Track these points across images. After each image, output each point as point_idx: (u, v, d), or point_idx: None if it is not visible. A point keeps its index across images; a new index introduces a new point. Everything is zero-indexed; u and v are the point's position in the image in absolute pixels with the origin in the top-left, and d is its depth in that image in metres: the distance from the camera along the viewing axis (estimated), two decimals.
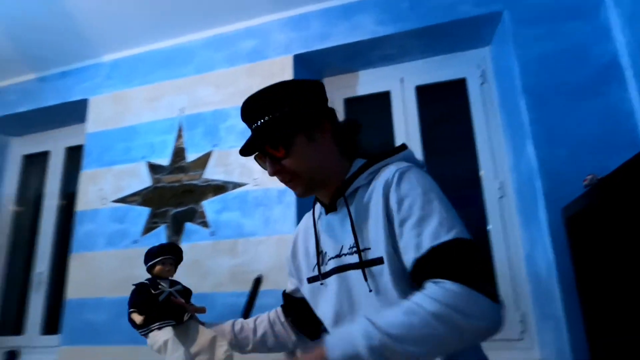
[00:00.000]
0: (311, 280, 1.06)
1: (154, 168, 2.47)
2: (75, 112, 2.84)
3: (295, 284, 1.18)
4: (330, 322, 1.00)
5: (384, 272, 0.87)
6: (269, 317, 1.25)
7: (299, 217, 2.14)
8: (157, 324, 1.16)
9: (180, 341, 1.13)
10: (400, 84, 2.42)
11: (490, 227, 2.13)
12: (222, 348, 1.13)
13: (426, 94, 2.40)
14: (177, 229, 2.32)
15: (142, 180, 2.47)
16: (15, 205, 3.16)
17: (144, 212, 2.42)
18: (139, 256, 2.30)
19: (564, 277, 1.69)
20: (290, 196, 2.16)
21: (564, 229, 1.66)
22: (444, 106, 2.43)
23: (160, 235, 2.33)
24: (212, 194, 2.30)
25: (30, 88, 2.98)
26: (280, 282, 2.04)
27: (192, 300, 2.23)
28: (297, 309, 1.18)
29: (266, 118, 0.91)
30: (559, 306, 1.71)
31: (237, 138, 2.33)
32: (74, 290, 2.42)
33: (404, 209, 0.85)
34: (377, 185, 0.92)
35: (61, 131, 3.09)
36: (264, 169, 0.97)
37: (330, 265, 0.98)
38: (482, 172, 2.20)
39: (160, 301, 1.17)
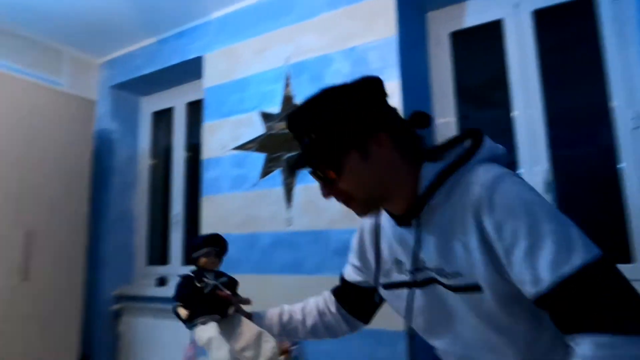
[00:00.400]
0: (388, 286, 0.97)
1: (266, 117, 2.65)
2: (192, 69, 3.11)
3: (362, 276, 1.09)
4: (421, 329, 0.94)
5: (484, 300, 0.76)
6: (317, 306, 1.20)
7: None
8: (201, 318, 1.12)
9: (226, 336, 1.10)
10: (514, 9, 2.23)
11: (623, 164, 1.95)
12: (268, 344, 1.10)
13: (545, 19, 2.19)
14: (291, 172, 2.51)
15: (256, 128, 2.67)
16: (150, 158, 3.63)
17: (260, 157, 2.64)
18: (259, 198, 2.57)
19: None
20: None
21: None
22: (567, 31, 2.20)
23: (276, 178, 2.54)
24: None
25: (152, 51, 3.31)
26: None
27: (307, 239, 2.44)
28: (355, 298, 1.12)
29: (313, 136, 0.82)
30: None
31: (343, 81, 2.38)
32: (207, 227, 2.78)
33: (505, 237, 0.70)
34: (462, 202, 0.77)
35: (182, 88, 3.42)
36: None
37: (410, 277, 0.89)
38: (614, 103, 1.99)
39: (205, 294, 1.14)
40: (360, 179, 0.82)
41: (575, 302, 0.64)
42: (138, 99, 3.69)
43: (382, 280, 0.97)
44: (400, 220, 0.87)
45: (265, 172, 2.61)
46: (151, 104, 3.65)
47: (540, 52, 2.15)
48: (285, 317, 1.18)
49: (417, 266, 0.86)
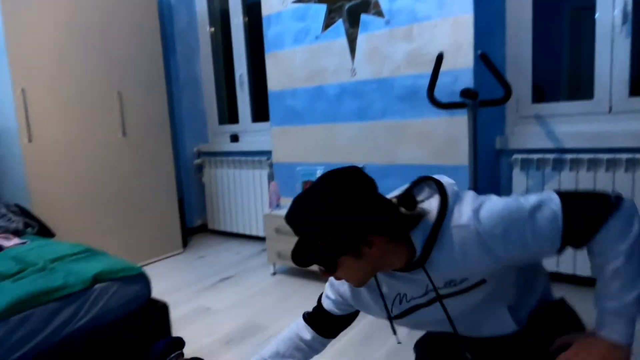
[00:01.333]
0: (402, 315, 1.02)
1: None
2: None
3: (346, 311, 1.13)
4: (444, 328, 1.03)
5: (488, 285, 0.92)
6: (293, 345, 1.16)
7: None
8: None
9: None
10: None
11: None
12: None
13: None
14: (353, 22, 2.52)
15: None
16: (209, 25, 3.69)
17: (321, 9, 2.64)
18: (322, 50, 2.65)
19: None
20: None
21: None
22: None
23: (339, 29, 2.58)
24: None
25: None
26: (456, 62, 2.19)
27: (371, 87, 2.54)
28: (329, 323, 1.15)
29: (311, 239, 0.86)
30: None
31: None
32: (273, 83, 2.96)
33: (512, 244, 0.84)
34: (459, 248, 0.85)
35: None
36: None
37: (422, 300, 0.97)
38: None
39: None
40: (354, 272, 0.89)
41: (578, 224, 0.83)
42: None
43: (395, 312, 1.02)
44: (402, 271, 0.94)
45: (327, 23, 2.63)
46: None
47: None
48: None
49: (429, 288, 0.95)
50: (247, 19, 3.50)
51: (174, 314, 2.14)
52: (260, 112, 3.51)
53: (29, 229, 2.12)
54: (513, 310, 0.99)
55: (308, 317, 1.16)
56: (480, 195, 0.92)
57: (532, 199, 0.85)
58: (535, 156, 2.24)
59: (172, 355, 1.12)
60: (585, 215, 0.83)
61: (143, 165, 3.05)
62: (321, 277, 0.95)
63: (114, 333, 1.44)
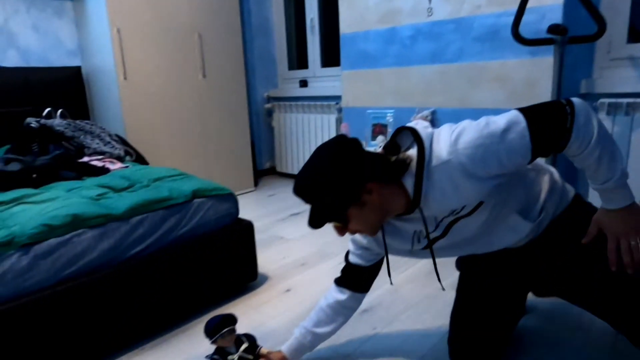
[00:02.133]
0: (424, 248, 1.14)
1: None
2: None
3: (366, 259, 1.24)
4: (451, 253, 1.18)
5: (487, 204, 1.03)
6: (331, 309, 1.27)
7: None
8: None
9: None
10: None
11: None
12: None
13: None
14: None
15: None
16: None
17: None
18: None
19: None
20: None
21: None
22: None
23: None
24: None
25: None
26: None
27: (448, 28, 2.48)
28: (359, 277, 1.26)
29: (318, 203, 0.98)
30: None
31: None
32: (345, 26, 2.96)
33: (492, 164, 0.93)
34: (449, 180, 0.95)
35: None
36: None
37: (444, 224, 1.09)
38: None
39: None
40: (363, 221, 1.00)
41: (544, 133, 0.93)
42: None
43: (416, 247, 1.15)
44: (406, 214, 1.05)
45: None
46: None
47: None
48: (309, 339, 1.28)
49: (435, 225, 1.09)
50: None
51: None
52: (330, 57, 3.54)
53: (127, 156, 2.38)
54: (523, 212, 1.09)
55: (339, 280, 1.28)
56: (453, 124, 1.00)
57: (500, 122, 0.93)
58: (625, 100, 2.12)
59: (225, 330, 1.17)
60: (548, 129, 0.93)
61: (221, 107, 3.23)
62: (339, 234, 1.04)
63: (211, 243, 1.64)
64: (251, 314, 1.63)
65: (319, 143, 3.46)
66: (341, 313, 1.27)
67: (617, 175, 0.95)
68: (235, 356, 1.20)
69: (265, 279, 1.92)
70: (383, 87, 2.84)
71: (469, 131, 0.94)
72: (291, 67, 3.91)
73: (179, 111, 2.99)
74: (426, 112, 2.62)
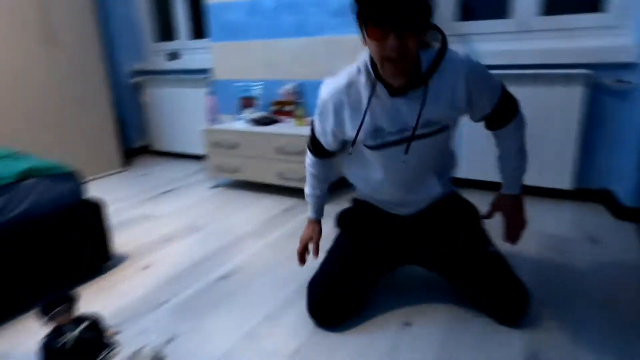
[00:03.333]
0: (370, 147, 1.24)
1: None
2: None
3: (334, 141, 1.32)
4: (379, 170, 1.30)
5: (443, 134, 1.23)
6: (325, 177, 1.49)
7: None
8: None
9: None
10: None
11: None
12: None
13: None
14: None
15: None
16: None
17: None
18: None
19: None
20: None
21: None
22: None
23: None
24: None
25: None
26: None
27: (309, 1, 2.48)
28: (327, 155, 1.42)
29: (417, 16, 0.99)
30: None
31: None
32: None
33: (481, 90, 1.16)
34: (455, 76, 1.12)
35: None
36: (382, 44, 1.02)
37: (395, 137, 1.20)
38: None
39: (69, 350, 1.10)
40: (416, 46, 1.02)
41: (500, 112, 1.23)
42: None
43: (370, 143, 1.23)
44: (399, 91, 1.13)
45: None
46: None
47: None
48: (323, 194, 1.51)
49: (410, 125, 1.17)
50: None
51: (113, 222, 2.24)
52: (199, 29, 3.40)
53: None
54: (439, 176, 1.35)
55: (310, 150, 1.44)
56: None
57: (498, 79, 1.22)
58: None
59: (59, 308, 1.08)
60: (508, 104, 1.25)
61: (76, 82, 2.94)
62: (396, 52, 1.00)
63: (50, 226, 1.52)
64: (104, 295, 1.56)
65: (192, 117, 3.41)
66: (326, 165, 1.46)
67: (524, 169, 1.32)
68: (71, 335, 1.12)
69: (123, 258, 1.84)
70: (252, 60, 2.84)
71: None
72: (159, 38, 3.68)
73: (20, 86, 2.65)
74: (292, 85, 2.68)
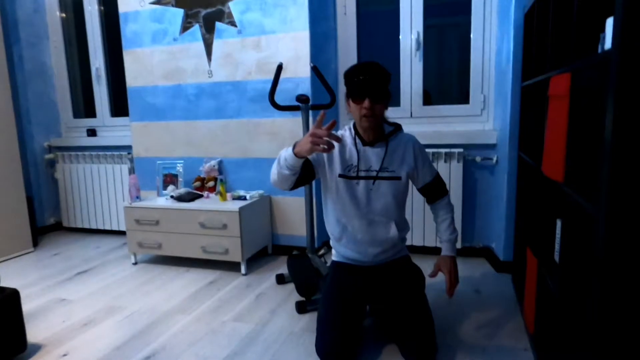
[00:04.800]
0: (346, 177, 1.67)
1: None
2: None
3: (317, 159, 1.67)
4: (352, 205, 1.69)
5: (399, 184, 1.68)
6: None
7: (312, 18, 2.54)
8: None
9: None
10: None
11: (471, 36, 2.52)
12: None
13: None
14: (209, 28, 2.76)
15: None
16: (60, 11, 3.54)
17: (178, 13, 2.82)
18: (180, 51, 2.84)
19: (516, 64, 2.19)
20: None
21: (522, 26, 2.08)
22: None
23: (196, 34, 2.79)
24: None
25: None
26: (297, 71, 2.59)
27: (227, 88, 2.82)
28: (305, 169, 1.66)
29: (384, 79, 1.56)
30: (508, 87, 2.26)
31: None
32: (132, 80, 3.03)
33: (422, 160, 1.71)
34: (406, 143, 1.69)
35: None
36: (360, 105, 1.57)
37: (364, 173, 1.67)
38: None
39: None
40: (380, 111, 1.60)
41: (437, 186, 1.76)
42: None
43: (346, 173, 1.67)
44: (368, 143, 1.67)
45: (185, 27, 2.82)
46: None
47: None
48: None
49: (374, 168, 1.66)
50: (103, 7, 3.45)
51: (25, 308, 2.14)
52: (121, 107, 3.51)
53: None
54: (396, 225, 1.72)
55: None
56: None
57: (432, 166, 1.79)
58: None
59: None
60: (441, 181, 1.79)
61: None
62: (368, 112, 1.54)
63: None
64: None
65: (111, 193, 3.41)
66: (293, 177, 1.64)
67: (456, 236, 1.77)
68: None
69: (38, 348, 1.78)
70: (173, 139, 2.99)
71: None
72: (78, 115, 3.70)
73: None
74: (214, 162, 2.87)
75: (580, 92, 1.15)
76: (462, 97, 2.68)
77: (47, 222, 3.62)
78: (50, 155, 3.58)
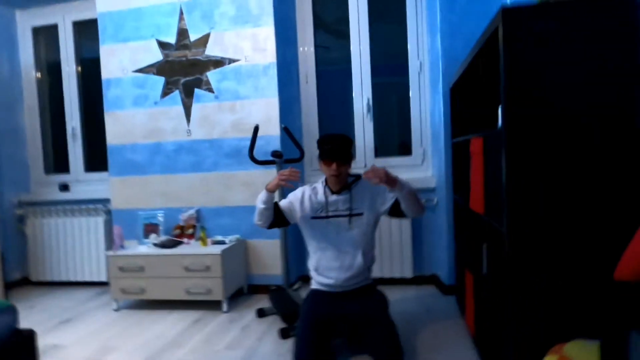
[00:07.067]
0: (317, 218, 2.11)
1: (162, 45, 3.16)
2: None
3: (289, 209, 2.14)
4: (323, 239, 2.12)
5: (363, 220, 2.09)
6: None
7: (280, 86, 3.02)
8: None
9: None
10: None
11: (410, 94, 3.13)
12: None
13: None
14: (188, 93, 3.15)
15: (154, 55, 3.18)
16: (36, 72, 3.78)
17: (159, 80, 3.19)
18: (161, 114, 3.21)
19: (447, 125, 2.78)
20: (273, 70, 3.01)
21: (449, 95, 2.69)
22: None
23: (175, 98, 3.17)
24: (212, 67, 3.09)
25: None
26: (268, 130, 3.02)
27: (204, 145, 3.17)
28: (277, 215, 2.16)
29: (348, 148, 2.05)
30: (442, 143, 2.84)
31: (229, 22, 3.03)
32: (112, 138, 3.30)
33: (381, 191, 2.07)
34: (364, 186, 2.09)
35: (67, 5, 3.57)
36: (329, 167, 2.02)
37: (333, 214, 2.11)
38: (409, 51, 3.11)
39: None
40: (346, 170, 2.06)
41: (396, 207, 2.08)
42: (12, 12, 3.69)
43: (313, 214, 2.11)
44: (336, 192, 2.10)
45: (165, 92, 3.19)
46: (30, 18, 3.70)
47: None
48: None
49: (341, 209, 2.10)
50: (80, 68, 3.74)
51: None
52: (94, 162, 3.72)
53: None
54: (363, 255, 2.09)
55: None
56: None
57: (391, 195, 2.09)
58: None
59: None
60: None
61: None
62: (336, 171, 1.99)
63: None
64: None
65: (84, 246, 3.56)
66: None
67: (414, 190, 2.01)
68: None
69: None
70: (152, 191, 3.26)
71: None
72: (49, 171, 3.85)
73: None
74: (192, 211, 3.16)
75: (490, 151, 1.67)
76: (405, 150, 3.24)
77: (13, 277, 3.63)
78: (20, 211, 3.66)
